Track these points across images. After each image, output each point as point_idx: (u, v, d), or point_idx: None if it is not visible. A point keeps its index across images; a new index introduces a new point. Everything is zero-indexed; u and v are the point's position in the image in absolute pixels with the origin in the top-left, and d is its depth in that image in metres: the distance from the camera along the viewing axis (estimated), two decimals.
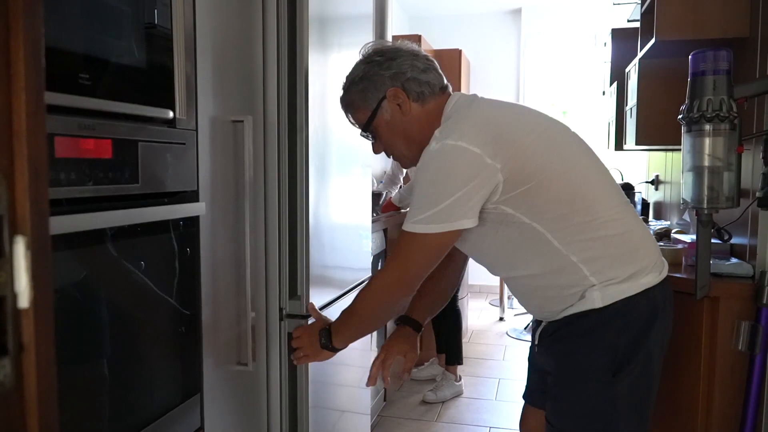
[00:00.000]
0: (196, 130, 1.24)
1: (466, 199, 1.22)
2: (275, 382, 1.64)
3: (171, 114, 1.11)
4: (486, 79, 5.82)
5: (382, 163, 5.00)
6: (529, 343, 1.59)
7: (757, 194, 1.64)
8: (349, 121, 1.47)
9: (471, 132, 1.23)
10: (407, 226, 1.27)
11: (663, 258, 1.37)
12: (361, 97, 1.38)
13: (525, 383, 1.65)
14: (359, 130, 1.44)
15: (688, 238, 2.16)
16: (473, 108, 1.33)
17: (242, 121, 1.40)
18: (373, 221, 2.83)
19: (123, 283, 1.07)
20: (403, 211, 3.53)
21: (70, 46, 0.92)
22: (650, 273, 1.29)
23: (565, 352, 1.34)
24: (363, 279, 2.17)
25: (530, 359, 1.61)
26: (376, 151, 1.48)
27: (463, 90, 5.17)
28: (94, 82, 0.96)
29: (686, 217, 2.50)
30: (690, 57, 1.60)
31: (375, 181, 4.48)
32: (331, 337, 1.45)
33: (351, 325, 1.44)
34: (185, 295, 1.25)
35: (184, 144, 1.20)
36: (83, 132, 0.93)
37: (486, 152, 1.20)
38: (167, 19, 1.13)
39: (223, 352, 1.40)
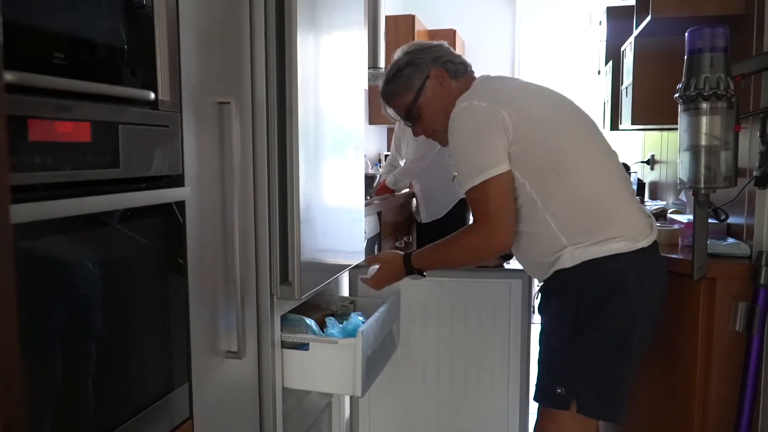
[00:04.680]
0: (180, 112, 1.20)
1: (489, 145, 1.41)
2: (267, 371, 1.62)
3: (152, 95, 1.07)
4: (481, 59, 5.73)
5: (377, 145, 4.96)
6: None
7: (755, 173, 1.62)
8: (388, 114, 1.71)
9: (480, 93, 1.50)
10: (463, 189, 1.49)
11: (647, 231, 1.46)
12: (407, 81, 1.61)
13: None
14: (399, 119, 1.68)
15: (684, 218, 2.14)
16: (489, 80, 1.59)
17: (229, 103, 1.36)
18: (366, 204, 2.81)
19: (106, 271, 1.04)
20: (397, 194, 3.50)
21: (43, 23, 0.88)
22: (622, 241, 1.40)
23: (543, 309, 1.53)
24: (356, 262, 2.14)
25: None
26: (416, 133, 1.69)
27: None
28: (70, 62, 0.92)
29: (682, 197, 2.48)
30: (687, 34, 1.57)
31: (369, 163, 4.45)
32: (410, 263, 1.67)
33: (436, 264, 1.68)
34: (171, 282, 1.22)
35: (167, 126, 1.16)
36: (59, 114, 0.90)
37: (492, 105, 1.43)
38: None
39: (212, 340, 1.38)
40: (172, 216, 1.19)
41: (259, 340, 1.62)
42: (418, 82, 1.59)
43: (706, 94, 1.49)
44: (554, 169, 1.42)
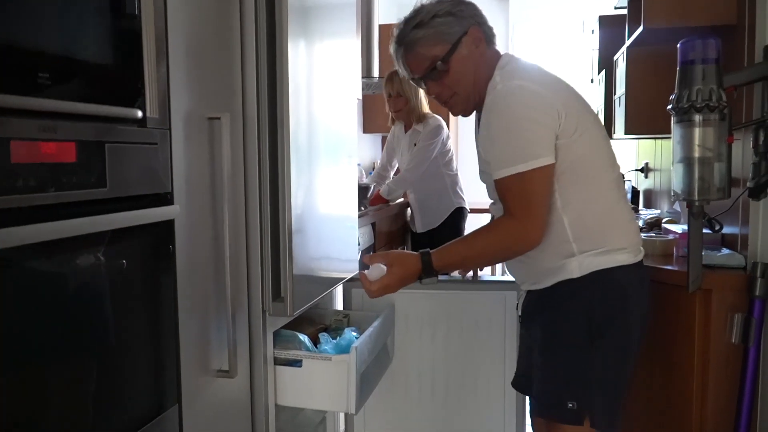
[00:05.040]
0: (170, 129, 1.19)
1: (540, 134, 1.32)
2: (260, 389, 1.60)
3: (140, 114, 1.06)
4: None
5: (371, 153, 4.95)
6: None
7: (748, 184, 1.61)
8: (400, 65, 1.50)
9: (528, 75, 1.39)
10: (499, 173, 1.35)
11: (641, 244, 1.47)
12: (442, 31, 1.42)
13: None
14: (408, 73, 1.50)
15: (679, 228, 2.13)
16: (522, 62, 1.46)
17: (219, 118, 1.34)
18: (360, 215, 2.79)
19: (94, 293, 1.02)
20: (392, 203, 3.49)
21: (26, 42, 0.86)
22: (626, 253, 1.39)
23: (547, 321, 1.43)
24: (351, 275, 2.13)
25: (520, 338, 1.73)
26: (431, 92, 1.51)
27: None
28: (55, 82, 0.91)
29: (677, 206, 2.48)
30: (678, 46, 1.56)
31: (363, 172, 4.43)
32: (431, 262, 1.42)
33: (460, 262, 1.52)
34: (161, 302, 1.20)
35: (156, 144, 1.15)
36: (43, 135, 0.88)
37: (548, 92, 1.35)
38: (136, 9, 1.07)
39: (203, 359, 1.36)
40: (161, 235, 1.18)
41: (251, 358, 1.60)
42: (455, 35, 1.41)
43: (698, 105, 1.49)
44: (583, 172, 1.37)
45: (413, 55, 1.46)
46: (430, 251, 1.43)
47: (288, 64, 1.51)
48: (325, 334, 1.77)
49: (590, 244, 1.36)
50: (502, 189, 1.36)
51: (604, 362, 1.37)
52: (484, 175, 1.51)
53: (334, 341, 1.73)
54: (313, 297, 1.77)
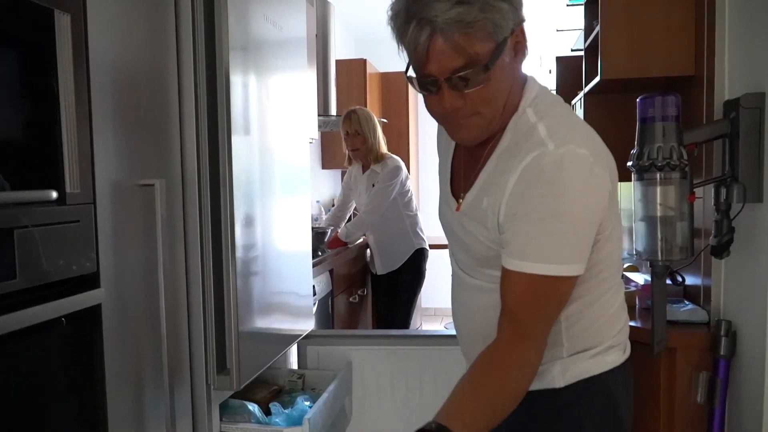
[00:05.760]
0: (94, 203, 1.08)
1: (589, 234, 0.99)
2: None
3: (55, 195, 0.95)
4: None
5: (331, 190, 4.87)
6: None
7: (711, 242, 1.57)
8: (417, 52, 0.97)
9: (598, 150, 1.00)
10: (522, 266, 0.97)
11: (628, 340, 1.20)
12: (495, 20, 0.94)
13: None
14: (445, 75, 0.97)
15: (641, 277, 2.10)
16: (557, 99, 1.10)
17: (153, 185, 1.24)
18: (318, 262, 2.69)
19: (7, 397, 0.90)
20: (350, 246, 3.39)
21: None
22: (616, 351, 1.14)
23: None
24: (304, 332, 2.02)
25: None
26: (445, 104, 1.00)
27: (412, 115, 5.07)
28: None
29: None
30: (638, 102, 1.53)
31: (323, 209, 4.34)
32: None
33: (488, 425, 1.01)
34: (87, 395, 1.08)
35: (78, 222, 1.04)
36: None
37: (604, 172, 0.99)
38: (51, 73, 0.97)
39: None
40: (86, 321, 1.06)
41: None
42: (505, 31, 0.95)
43: (659, 164, 1.45)
44: (596, 272, 1.06)
45: (447, 43, 0.94)
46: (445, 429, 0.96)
47: (231, 115, 1.40)
48: (276, 404, 1.66)
49: (582, 344, 1.10)
50: (514, 284, 1.00)
51: None
52: (469, 222, 1.10)
53: (286, 412, 1.62)
54: (264, 362, 1.66)
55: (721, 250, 1.53)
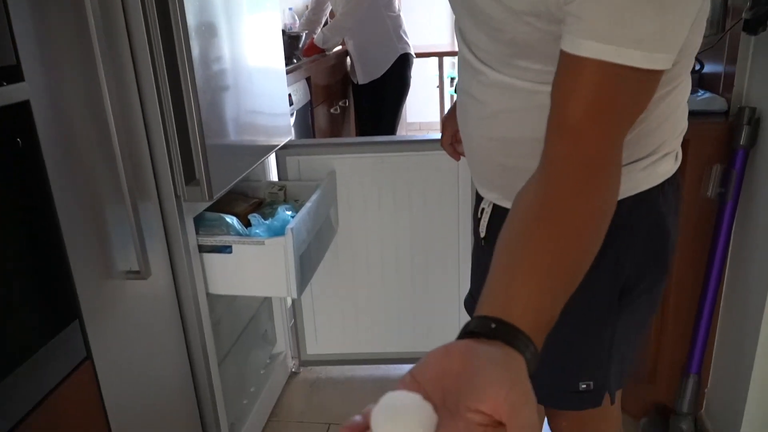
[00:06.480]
0: None
1: (689, 17, 0.65)
2: (185, 282, 1.38)
3: None
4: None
5: None
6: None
7: (744, 15, 1.36)
8: None
9: None
10: (603, 52, 0.62)
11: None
12: None
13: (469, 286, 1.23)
14: None
15: None
16: None
17: None
18: (292, 69, 2.45)
19: None
20: (328, 53, 3.11)
21: None
22: (670, 158, 0.92)
23: None
24: (283, 141, 1.85)
25: (475, 256, 1.18)
26: None
27: None
28: None
29: None
30: None
31: (296, 17, 3.97)
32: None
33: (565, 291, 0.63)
34: (36, 216, 0.93)
35: None
36: None
37: None
38: None
39: (103, 264, 1.11)
40: (12, 122, 0.87)
41: (170, 250, 1.37)
42: None
43: None
44: (674, 63, 0.68)
45: None
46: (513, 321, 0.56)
47: None
48: (256, 215, 1.53)
49: (640, 151, 0.87)
50: (586, 83, 0.65)
51: (629, 325, 0.97)
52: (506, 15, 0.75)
53: (267, 222, 1.50)
54: (238, 174, 1.51)
55: (756, 24, 1.33)
